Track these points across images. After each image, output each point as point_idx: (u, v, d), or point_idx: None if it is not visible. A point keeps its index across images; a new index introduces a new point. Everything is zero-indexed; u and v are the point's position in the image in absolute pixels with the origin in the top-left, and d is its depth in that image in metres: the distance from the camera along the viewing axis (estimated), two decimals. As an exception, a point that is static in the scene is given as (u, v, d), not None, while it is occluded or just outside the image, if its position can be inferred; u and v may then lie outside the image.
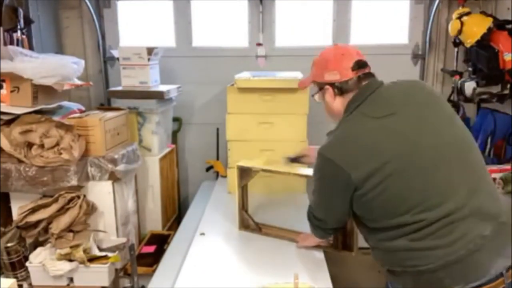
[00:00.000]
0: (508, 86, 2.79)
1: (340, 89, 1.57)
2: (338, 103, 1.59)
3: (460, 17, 2.93)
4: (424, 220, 1.34)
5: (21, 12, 2.79)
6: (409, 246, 1.37)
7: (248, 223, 2.26)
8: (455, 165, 1.40)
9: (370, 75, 1.60)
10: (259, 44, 3.45)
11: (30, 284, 2.22)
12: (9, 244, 2.20)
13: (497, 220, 1.36)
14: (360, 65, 1.58)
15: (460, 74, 3.18)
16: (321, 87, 1.64)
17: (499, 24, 2.82)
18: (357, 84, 1.56)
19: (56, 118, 2.40)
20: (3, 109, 2.31)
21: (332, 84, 1.59)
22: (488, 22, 2.81)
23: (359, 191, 1.42)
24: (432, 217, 1.34)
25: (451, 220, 1.33)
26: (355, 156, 1.43)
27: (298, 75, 2.87)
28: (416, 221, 1.35)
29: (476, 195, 1.37)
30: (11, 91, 2.35)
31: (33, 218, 2.22)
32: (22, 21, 2.79)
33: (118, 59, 3.06)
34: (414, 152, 1.39)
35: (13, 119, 2.31)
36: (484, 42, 2.82)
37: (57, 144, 2.30)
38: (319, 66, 1.64)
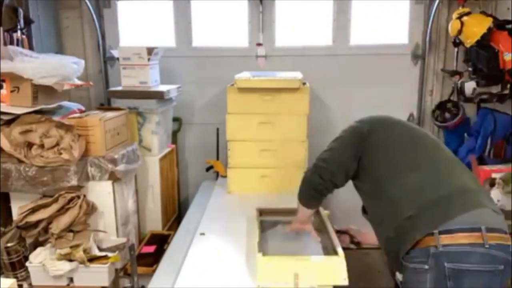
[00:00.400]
0: (508, 86, 2.79)
1: None
2: None
3: (460, 17, 2.93)
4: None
5: (21, 12, 2.79)
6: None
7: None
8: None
9: None
10: (259, 44, 3.45)
11: (30, 284, 2.22)
12: (9, 244, 2.21)
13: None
14: None
15: (460, 74, 3.18)
16: None
17: (499, 24, 2.82)
18: None
19: (56, 118, 2.40)
20: (3, 109, 2.31)
21: None
22: (488, 22, 2.81)
23: (368, 140, 1.75)
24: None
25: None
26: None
27: (298, 75, 2.87)
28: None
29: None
30: (11, 91, 2.35)
31: (33, 218, 2.22)
32: (22, 21, 2.79)
33: (118, 59, 3.06)
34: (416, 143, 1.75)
35: (13, 119, 2.31)
36: (484, 42, 2.82)
37: (57, 144, 2.30)
38: None
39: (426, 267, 1.45)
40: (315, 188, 1.85)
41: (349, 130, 1.84)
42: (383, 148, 1.74)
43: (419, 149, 1.71)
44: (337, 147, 1.82)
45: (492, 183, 2.74)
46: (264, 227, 2.18)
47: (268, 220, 2.26)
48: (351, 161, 1.77)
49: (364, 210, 1.87)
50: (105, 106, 3.35)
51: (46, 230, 2.25)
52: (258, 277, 1.73)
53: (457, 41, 3.08)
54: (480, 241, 1.41)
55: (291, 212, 2.15)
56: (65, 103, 2.63)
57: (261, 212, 2.28)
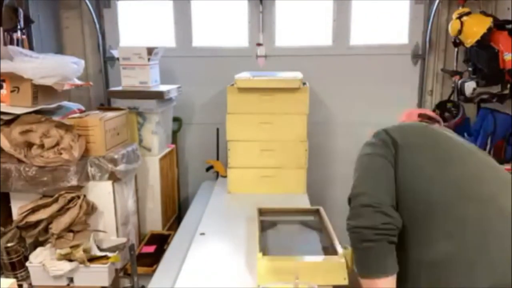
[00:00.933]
0: (508, 86, 2.79)
1: None
2: None
3: (460, 17, 2.93)
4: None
5: (21, 12, 2.79)
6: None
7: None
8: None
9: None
10: (259, 44, 3.45)
11: (30, 284, 2.22)
12: (9, 244, 2.21)
13: None
14: (428, 117, 1.65)
15: (460, 74, 3.18)
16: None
17: (499, 24, 2.82)
18: None
19: (56, 118, 2.40)
20: (3, 109, 2.31)
21: None
22: (488, 22, 2.81)
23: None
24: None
25: None
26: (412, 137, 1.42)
27: (298, 75, 2.87)
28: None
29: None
30: (11, 91, 2.35)
31: (33, 218, 2.22)
32: (22, 21, 2.79)
33: (118, 59, 3.06)
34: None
35: (13, 119, 2.31)
36: (484, 42, 2.83)
37: (57, 144, 2.30)
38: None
39: None
40: (373, 218, 1.29)
41: (379, 145, 1.43)
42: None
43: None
44: (374, 173, 1.39)
45: (492, 183, 2.74)
46: (264, 227, 2.18)
47: (268, 220, 2.26)
48: (394, 184, 1.35)
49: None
50: (105, 106, 3.35)
51: (46, 230, 2.25)
52: (258, 278, 1.73)
53: (457, 41, 3.08)
54: None
55: (292, 211, 2.15)
56: (65, 103, 2.63)
57: (261, 212, 2.28)
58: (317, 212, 2.28)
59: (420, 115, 1.65)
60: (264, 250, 1.87)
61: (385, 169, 1.36)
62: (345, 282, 1.71)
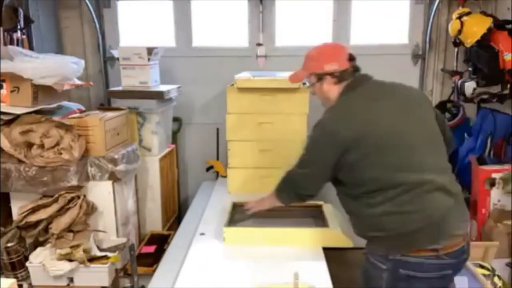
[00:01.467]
0: (508, 86, 2.79)
1: (338, 78, 1.77)
2: (335, 90, 1.79)
3: (460, 17, 2.93)
4: (403, 185, 1.58)
5: (21, 12, 2.79)
6: (391, 211, 1.59)
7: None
8: (429, 149, 1.68)
9: (358, 67, 1.81)
10: (259, 44, 3.45)
11: (30, 284, 2.22)
12: (9, 244, 2.21)
13: (457, 197, 1.65)
14: (352, 57, 1.80)
15: (460, 74, 3.18)
16: (320, 77, 1.81)
17: (499, 24, 2.82)
18: (351, 73, 1.78)
19: (56, 118, 2.40)
20: (3, 109, 2.31)
21: (331, 74, 1.77)
22: (488, 22, 2.81)
23: (349, 151, 1.63)
24: (410, 182, 1.58)
25: (424, 190, 1.58)
26: (348, 119, 1.67)
27: None
28: (396, 185, 1.59)
29: (442, 175, 1.65)
30: (11, 91, 2.35)
31: (33, 218, 2.22)
32: (22, 21, 2.79)
33: (118, 59, 3.06)
34: (401, 131, 1.65)
35: (13, 119, 2.31)
36: (484, 42, 2.83)
37: (57, 144, 2.30)
38: (317, 59, 1.83)
39: (384, 267, 1.62)
40: (290, 199, 1.97)
41: (321, 136, 1.74)
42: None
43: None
44: (314, 159, 1.77)
45: (492, 183, 2.75)
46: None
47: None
48: (330, 171, 1.73)
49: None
50: (105, 106, 3.35)
51: (46, 230, 2.25)
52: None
53: (457, 41, 3.08)
54: (436, 254, 1.57)
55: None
56: (65, 103, 2.63)
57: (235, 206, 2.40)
58: (319, 207, 2.35)
59: (349, 58, 1.79)
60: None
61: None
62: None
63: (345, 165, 1.66)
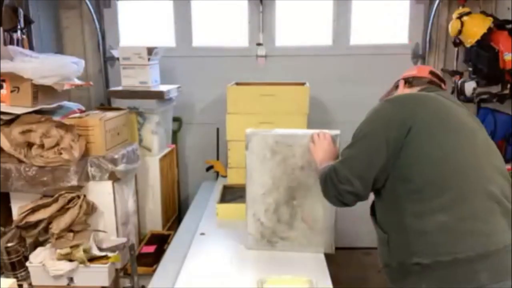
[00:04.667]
0: (508, 86, 2.79)
1: (409, 83, 1.68)
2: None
3: (460, 17, 2.93)
4: (468, 193, 1.25)
5: (21, 12, 2.79)
6: (447, 225, 1.22)
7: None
8: (495, 167, 1.37)
9: (439, 84, 1.68)
10: (259, 44, 3.45)
11: (30, 284, 2.22)
12: (9, 244, 2.20)
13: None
14: (437, 76, 1.70)
15: (460, 74, 3.18)
16: (396, 85, 1.75)
17: (499, 24, 2.82)
18: (425, 83, 1.65)
19: (56, 118, 2.40)
20: (3, 109, 2.31)
21: (405, 79, 1.71)
22: (488, 22, 2.81)
23: (410, 135, 1.32)
24: (478, 192, 1.25)
25: (494, 208, 1.24)
26: (419, 98, 1.48)
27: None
28: (459, 192, 1.25)
29: (507, 199, 1.31)
30: (11, 91, 2.35)
31: (33, 218, 2.22)
32: (22, 21, 2.79)
33: (118, 59, 3.06)
34: (470, 136, 1.39)
35: (13, 119, 2.31)
36: (484, 42, 2.83)
37: (57, 144, 2.30)
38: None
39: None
40: (337, 198, 1.48)
41: (382, 116, 1.45)
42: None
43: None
44: (366, 152, 1.43)
45: (492, 183, 2.74)
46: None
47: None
48: (384, 166, 1.39)
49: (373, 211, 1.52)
50: (105, 106, 3.35)
51: (46, 230, 2.25)
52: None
53: (457, 41, 3.08)
54: None
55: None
56: (65, 103, 2.63)
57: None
58: None
59: (431, 72, 1.71)
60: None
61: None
62: None
63: (403, 154, 1.32)
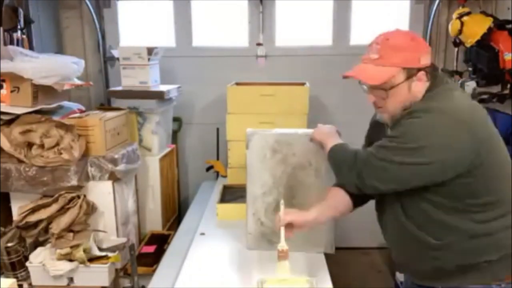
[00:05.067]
0: (508, 86, 2.79)
1: (430, 74, 1.42)
2: (422, 90, 1.42)
3: (460, 17, 2.92)
4: None
5: (21, 12, 2.79)
6: (510, 226, 1.35)
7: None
8: None
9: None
10: (259, 44, 3.45)
11: (30, 284, 2.22)
12: (9, 244, 2.20)
13: None
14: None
15: (460, 74, 3.18)
16: (412, 74, 1.40)
17: (499, 24, 2.81)
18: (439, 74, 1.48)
19: (56, 118, 2.40)
20: (3, 109, 2.31)
21: (425, 69, 1.41)
22: (488, 22, 2.81)
23: (480, 155, 1.32)
24: None
25: None
26: (473, 120, 1.37)
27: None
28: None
29: None
30: (11, 91, 2.35)
31: (33, 218, 2.22)
32: (22, 21, 2.79)
33: (118, 59, 3.06)
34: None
35: (13, 119, 2.31)
36: (484, 42, 2.82)
37: (57, 144, 2.30)
38: (412, 49, 1.41)
39: None
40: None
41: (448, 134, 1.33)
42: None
43: None
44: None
45: (492, 183, 2.74)
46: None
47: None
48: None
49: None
50: (105, 106, 3.35)
51: (46, 230, 2.24)
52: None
53: (457, 41, 3.07)
54: None
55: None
56: (65, 103, 2.63)
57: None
58: None
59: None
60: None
61: None
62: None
63: (472, 168, 1.32)
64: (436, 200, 1.37)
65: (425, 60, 1.41)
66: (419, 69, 1.40)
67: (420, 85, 1.41)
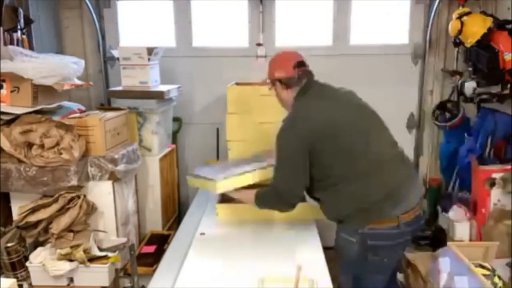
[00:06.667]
0: (508, 86, 2.79)
1: (286, 84, 2.03)
2: (287, 94, 2.06)
3: (460, 17, 2.93)
4: (363, 163, 1.85)
5: (21, 12, 2.79)
6: (355, 190, 1.85)
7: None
8: (378, 131, 1.98)
9: (309, 72, 2.05)
10: (259, 44, 3.45)
11: (30, 284, 2.22)
12: (9, 244, 2.21)
13: (411, 168, 2.09)
14: (301, 64, 2.03)
15: (460, 74, 3.18)
16: (273, 83, 2.09)
17: (499, 24, 2.81)
18: (298, 79, 2.01)
19: (56, 118, 2.40)
20: (3, 109, 2.31)
21: (279, 80, 2.05)
22: (488, 22, 2.81)
23: (317, 145, 1.86)
24: (369, 159, 1.86)
25: (382, 160, 1.87)
26: (305, 117, 1.91)
27: None
28: (357, 167, 1.85)
29: (394, 148, 1.98)
30: (11, 91, 2.35)
31: (33, 218, 2.22)
32: (22, 21, 2.79)
33: (118, 59, 3.06)
34: (355, 121, 1.92)
35: (13, 119, 2.31)
36: (484, 42, 2.82)
37: (57, 144, 2.30)
38: (270, 66, 2.10)
39: (354, 240, 1.86)
40: (287, 208, 2.08)
41: (292, 139, 1.93)
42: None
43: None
44: (294, 167, 1.93)
45: (492, 183, 2.75)
46: None
47: None
48: (308, 169, 1.93)
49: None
50: (105, 106, 3.35)
51: (46, 230, 2.25)
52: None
53: (457, 41, 3.07)
54: (396, 224, 1.84)
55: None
56: (65, 103, 2.63)
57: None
58: None
59: (294, 67, 2.01)
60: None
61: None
62: None
63: (314, 158, 1.87)
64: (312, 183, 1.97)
65: (278, 74, 2.05)
66: (276, 80, 2.07)
67: (281, 91, 2.10)
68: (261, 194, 2.07)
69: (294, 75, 2.00)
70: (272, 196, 2.02)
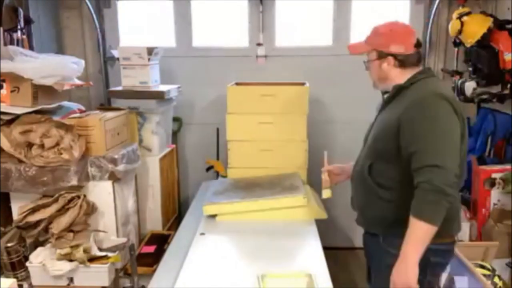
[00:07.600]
0: (508, 86, 2.79)
1: (401, 61, 1.72)
2: (396, 74, 1.73)
3: (460, 17, 2.92)
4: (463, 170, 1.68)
5: (21, 12, 2.79)
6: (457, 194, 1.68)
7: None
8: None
9: (422, 55, 1.81)
10: (259, 44, 3.45)
11: (30, 284, 2.22)
12: (9, 244, 2.21)
13: None
14: (419, 43, 1.75)
15: (460, 74, 3.18)
16: (381, 56, 1.75)
17: (499, 24, 2.82)
18: (416, 61, 1.74)
19: (56, 118, 2.40)
20: (3, 109, 2.31)
21: (395, 56, 1.72)
22: (488, 22, 2.81)
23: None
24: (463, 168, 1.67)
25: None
26: (458, 103, 1.64)
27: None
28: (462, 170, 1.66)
29: None
30: (11, 91, 2.35)
31: (33, 218, 2.22)
32: (22, 21, 2.79)
33: (118, 59, 3.06)
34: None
35: (13, 119, 2.31)
36: (484, 42, 2.82)
37: (57, 144, 2.30)
38: (386, 36, 1.74)
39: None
40: (447, 202, 1.52)
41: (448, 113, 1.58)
42: None
43: None
44: (449, 141, 1.56)
45: (492, 183, 2.75)
46: None
47: None
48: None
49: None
50: (105, 106, 3.35)
51: (46, 230, 2.25)
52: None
53: (457, 41, 3.08)
54: (453, 240, 1.73)
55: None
56: (65, 103, 2.63)
57: None
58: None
59: (416, 45, 1.76)
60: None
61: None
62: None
63: None
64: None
65: (396, 49, 1.71)
66: (388, 54, 1.72)
67: (389, 68, 1.74)
68: (426, 209, 1.52)
69: (414, 54, 1.72)
70: (438, 191, 1.48)
